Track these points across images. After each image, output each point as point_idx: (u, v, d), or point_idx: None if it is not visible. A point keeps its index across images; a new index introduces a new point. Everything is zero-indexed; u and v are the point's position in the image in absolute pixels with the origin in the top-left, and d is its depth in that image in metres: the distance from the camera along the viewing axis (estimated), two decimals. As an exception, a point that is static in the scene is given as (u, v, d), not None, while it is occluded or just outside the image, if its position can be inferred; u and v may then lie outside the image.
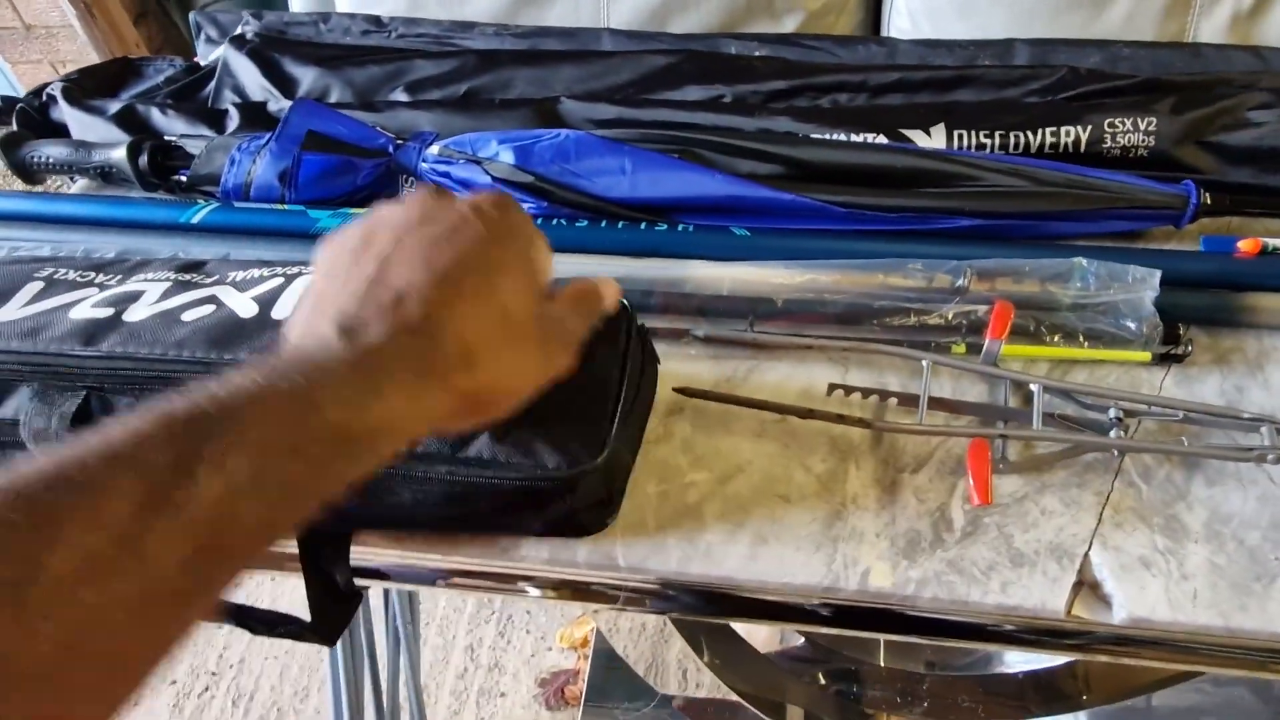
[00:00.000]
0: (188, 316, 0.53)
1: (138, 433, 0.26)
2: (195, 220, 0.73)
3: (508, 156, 0.69)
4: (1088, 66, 0.75)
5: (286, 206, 0.73)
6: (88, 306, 0.54)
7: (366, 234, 0.37)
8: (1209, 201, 0.62)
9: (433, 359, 0.33)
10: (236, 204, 0.74)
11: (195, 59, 0.97)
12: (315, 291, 0.36)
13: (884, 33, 1.19)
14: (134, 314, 0.53)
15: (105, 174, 0.79)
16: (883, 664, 1.22)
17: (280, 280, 0.55)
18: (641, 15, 1.18)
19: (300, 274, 0.56)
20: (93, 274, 0.59)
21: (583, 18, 1.20)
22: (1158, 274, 0.58)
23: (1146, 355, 0.58)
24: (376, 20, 1.15)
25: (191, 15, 1.21)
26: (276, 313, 0.53)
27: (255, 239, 0.72)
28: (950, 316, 0.60)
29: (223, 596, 0.27)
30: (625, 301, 0.58)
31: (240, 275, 0.58)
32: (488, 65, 0.83)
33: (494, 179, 0.69)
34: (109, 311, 0.54)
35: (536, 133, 0.70)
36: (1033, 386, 0.55)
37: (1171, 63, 0.97)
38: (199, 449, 0.26)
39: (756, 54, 1.03)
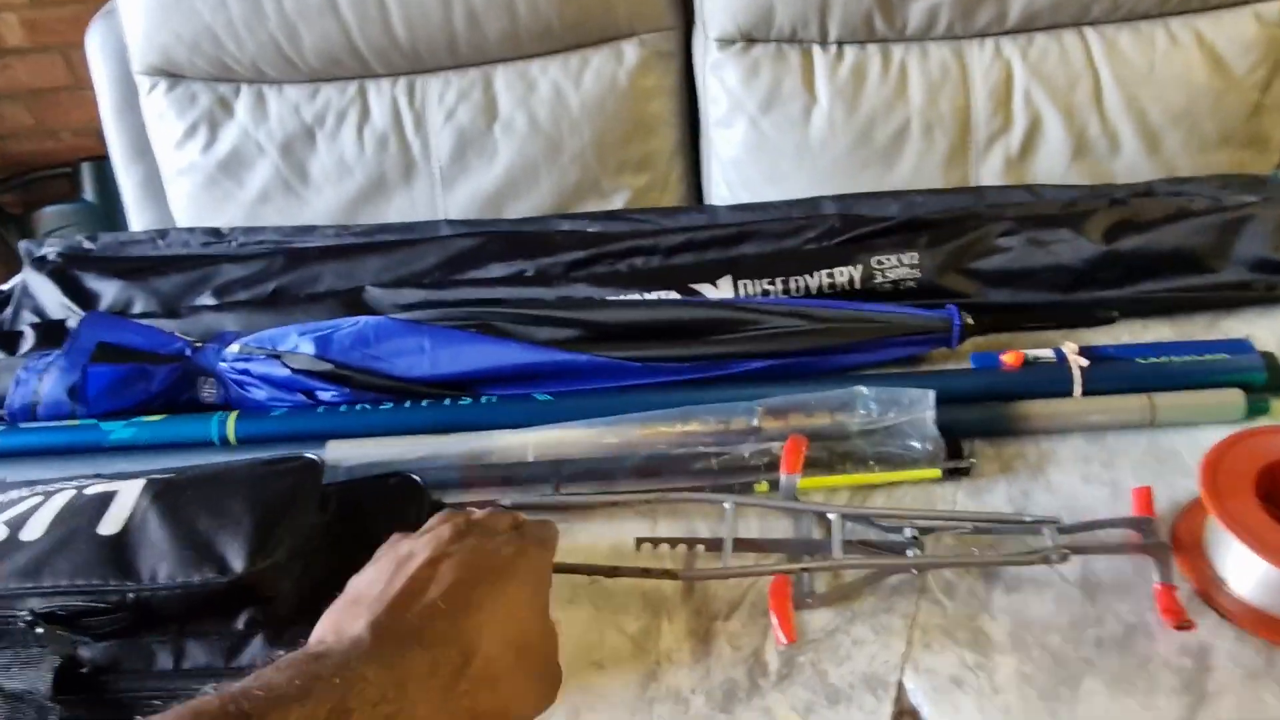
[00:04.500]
0: (-74, 549, 0.49)
1: None
2: (-25, 447, 0.69)
3: (307, 348, 0.69)
4: (857, 212, 0.81)
5: (78, 422, 0.70)
6: None
7: (405, 553, 0.41)
8: (971, 323, 0.67)
9: (457, 673, 0.35)
10: (23, 425, 0.70)
11: (-2, 285, 0.95)
12: (353, 595, 0.40)
13: (706, 202, 1.27)
14: None
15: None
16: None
17: (38, 499, 0.52)
18: (477, 203, 1.22)
19: (62, 490, 0.53)
20: None
21: (420, 211, 1.23)
22: (932, 394, 0.60)
23: (936, 472, 0.60)
24: (216, 232, 1.14)
25: (21, 245, 1.19)
26: (25, 534, 0.49)
27: (45, 459, 0.69)
28: (748, 456, 0.61)
29: None
30: (418, 478, 0.57)
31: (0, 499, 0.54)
32: (295, 263, 0.84)
33: (293, 371, 0.68)
34: None
35: (336, 322, 0.70)
36: (830, 516, 0.56)
37: (960, 205, 1.05)
38: None
39: (589, 230, 1.08)
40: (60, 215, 1.83)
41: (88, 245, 1.08)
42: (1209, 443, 0.60)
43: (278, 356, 0.69)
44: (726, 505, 0.58)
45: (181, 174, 1.24)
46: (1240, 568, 0.50)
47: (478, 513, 0.46)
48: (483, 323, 0.69)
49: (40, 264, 0.87)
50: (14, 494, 0.54)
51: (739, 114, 1.15)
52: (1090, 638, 0.51)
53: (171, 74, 1.19)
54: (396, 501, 0.56)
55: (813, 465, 0.60)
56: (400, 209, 1.24)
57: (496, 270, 0.81)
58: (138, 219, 1.37)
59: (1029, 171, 1.16)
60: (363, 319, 0.70)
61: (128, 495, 0.51)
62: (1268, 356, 0.63)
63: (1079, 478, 0.60)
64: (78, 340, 0.70)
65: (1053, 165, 1.15)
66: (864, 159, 1.16)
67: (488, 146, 1.18)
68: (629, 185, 1.25)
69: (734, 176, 1.22)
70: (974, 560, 0.53)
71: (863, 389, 0.61)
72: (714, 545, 0.57)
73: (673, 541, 0.58)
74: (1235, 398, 0.61)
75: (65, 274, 0.84)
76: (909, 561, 0.53)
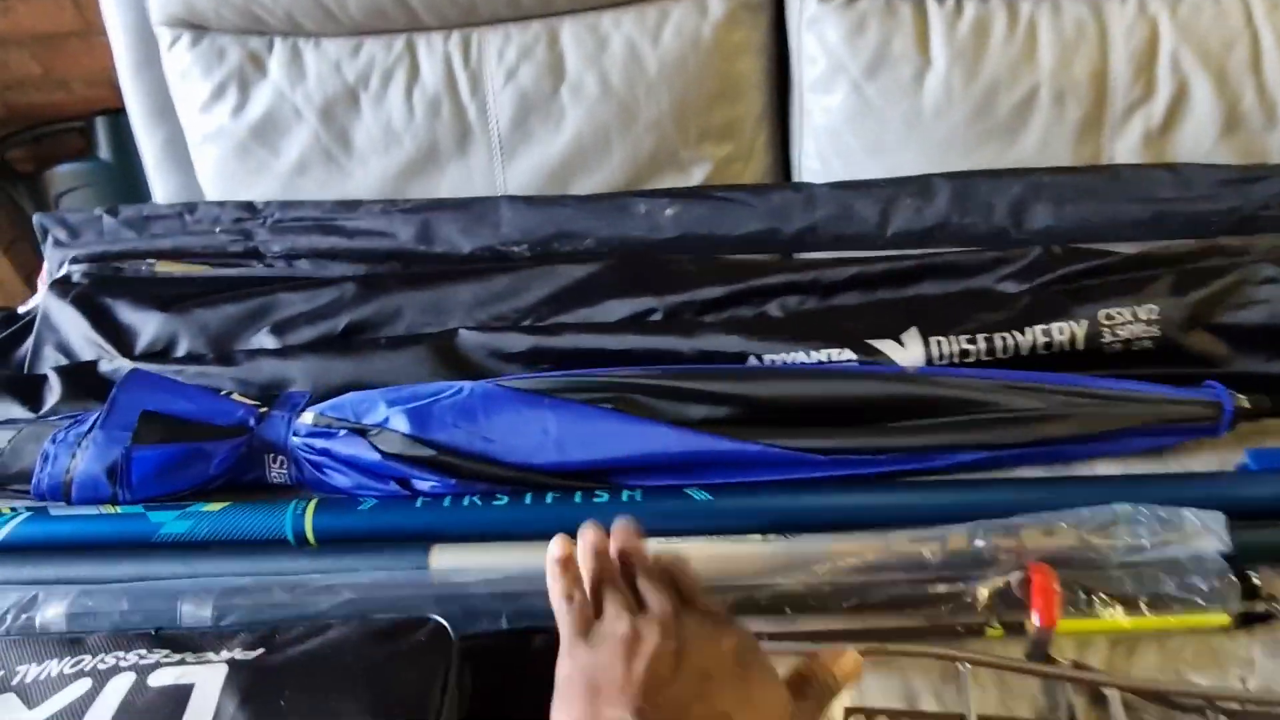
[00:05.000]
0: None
1: None
2: (-2, 539, 0.57)
3: (400, 423, 0.55)
4: (1068, 244, 0.66)
5: (119, 510, 0.57)
6: None
7: (629, 635, 0.38)
8: (1247, 406, 0.53)
9: None
10: (53, 510, 0.58)
11: (15, 306, 0.82)
12: (588, 683, 0.37)
13: (795, 177, 1.14)
14: None
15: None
16: None
17: (85, 685, 0.39)
18: (540, 177, 1.10)
19: (117, 669, 0.40)
20: None
21: (477, 184, 1.11)
22: (1222, 519, 0.47)
23: (1225, 619, 0.46)
24: (249, 206, 1.05)
25: (35, 219, 1.08)
26: (75, 753, 0.37)
27: (82, 556, 0.56)
28: (985, 599, 0.47)
29: None
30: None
31: (33, 672, 0.41)
32: (369, 293, 0.70)
33: (384, 455, 0.55)
34: None
35: (434, 389, 0.57)
36: (1108, 693, 0.43)
37: (1093, 188, 0.91)
38: None
39: (670, 224, 0.95)
40: (74, 175, 1.67)
41: (107, 219, 0.97)
42: None
43: (363, 433, 0.56)
44: (963, 667, 0.45)
45: (209, 140, 1.12)
46: None
47: (653, 589, 0.39)
48: (619, 396, 0.55)
49: (63, 288, 0.73)
50: (52, 667, 0.41)
51: (840, 77, 1.00)
52: None
53: (196, 25, 1.04)
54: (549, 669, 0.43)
55: (1066, 598, 0.47)
56: (455, 182, 1.12)
57: (615, 308, 0.67)
58: (161, 187, 1.25)
59: (1170, 148, 1.03)
60: (466, 386, 0.56)
61: (207, 691, 0.38)
62: None
63: None
64: (116, 409, 0.57)
65: (1199, 140, 1.01)
66: (983, 132, 1.03)
67: (553, 112, 1.04)
68: (710, 156, 1.13)
69: (829, 148, 1.09)
70: (1322, 778, 0.40)
71: (1128, 509, 0.48)
72: (949, 721, 0.45)
73: (894, 715, 0.45)
74: None
75: (93, 302, 0.70)
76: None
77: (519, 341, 0.63)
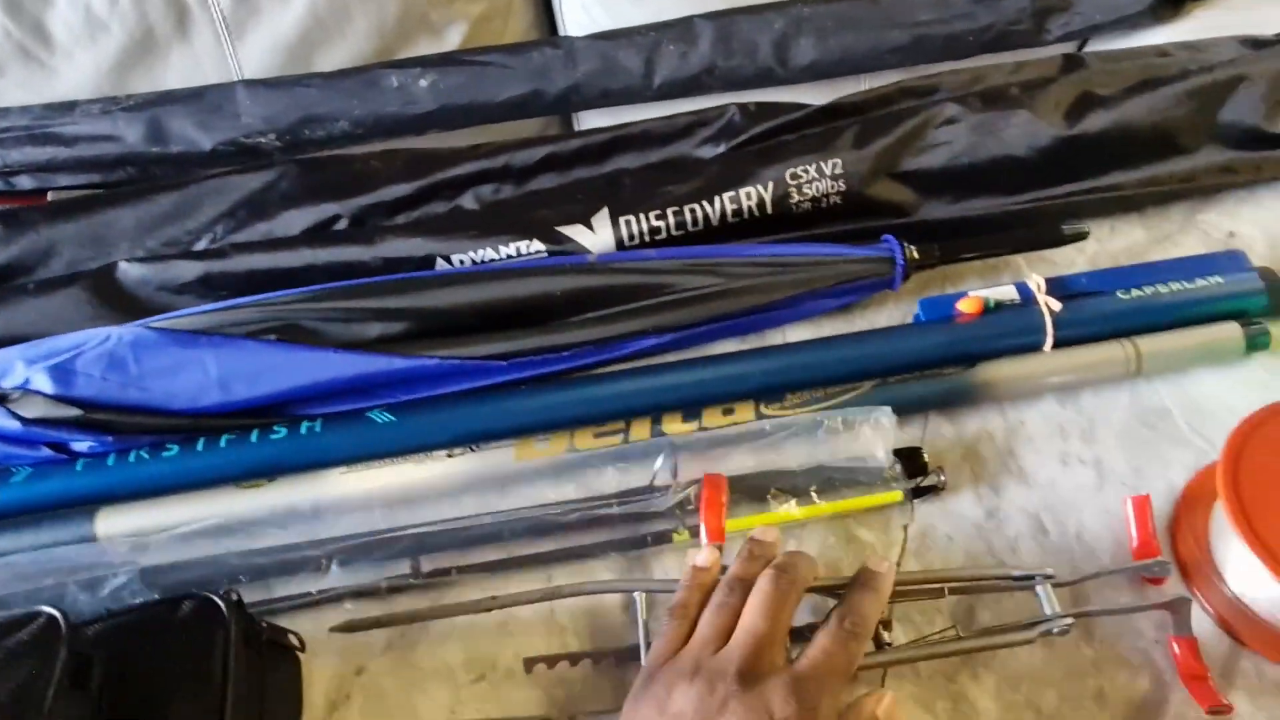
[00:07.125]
0: None
1: None
2: None
3: (43, 382, 0.50)
4: (755, 102, 0.63)
5: None
6: None
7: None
8: (916, 257, 0.53)
9: None
10: None
11: None
12: None
13: (561, 30, 1.08)
14: None
15: None
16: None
17: None
18: (278, 56, 0.99)
19: None
20: None
21: (208, 71, 0.99)
22: (887, 414, 0.47)
23: (897, 495, 0.48)
24: None
25: None
26: None
27: None
28: (666, 509, 0.47)
29: None
30: (218, 598, 0.42)
31: None
32: (15, 229, 0.61)
33: (26, 423, 0.49)
34: None
35: (76, 340, 0.51)
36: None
37: (854, 17, 0.88)
38: None
39: (427, 96, 0.88)
40: None
41: None
42: (1202, 397, 0.50)
43: (3, 401, 0.50)
44: (637, 596, 0.44)
45: None
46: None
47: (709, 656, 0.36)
48: (284, 324, 0.51)
49: None
50: None
51: (595, -91, 0.94)
52: (1090, 689, 0.42)
53: None
54: (194, 643, 0.40)
55: (743, 496, 0.48)
56: (182, 71, 1.00)
57: (296, 220, 0.61)
58: None
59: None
60: (114, 333, 0.51)
61: None
62: (1267, 274, 0.52)
63: (1056, 459, 0.49)
64: None
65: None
66: (746, -31, 0.98)
67: (275, -21, 0.94)
68: (464, 15, 1.04)
69: (591, -2, 1.02)
70: (957, 649, 0.42)
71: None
72: (628, 656, 0.44)
73: (574, 658, 0.44)
74: (1231, 334, 0.50)
75: None
76: (876, 662, 0.42)
77: (187, 269, 0.57)
